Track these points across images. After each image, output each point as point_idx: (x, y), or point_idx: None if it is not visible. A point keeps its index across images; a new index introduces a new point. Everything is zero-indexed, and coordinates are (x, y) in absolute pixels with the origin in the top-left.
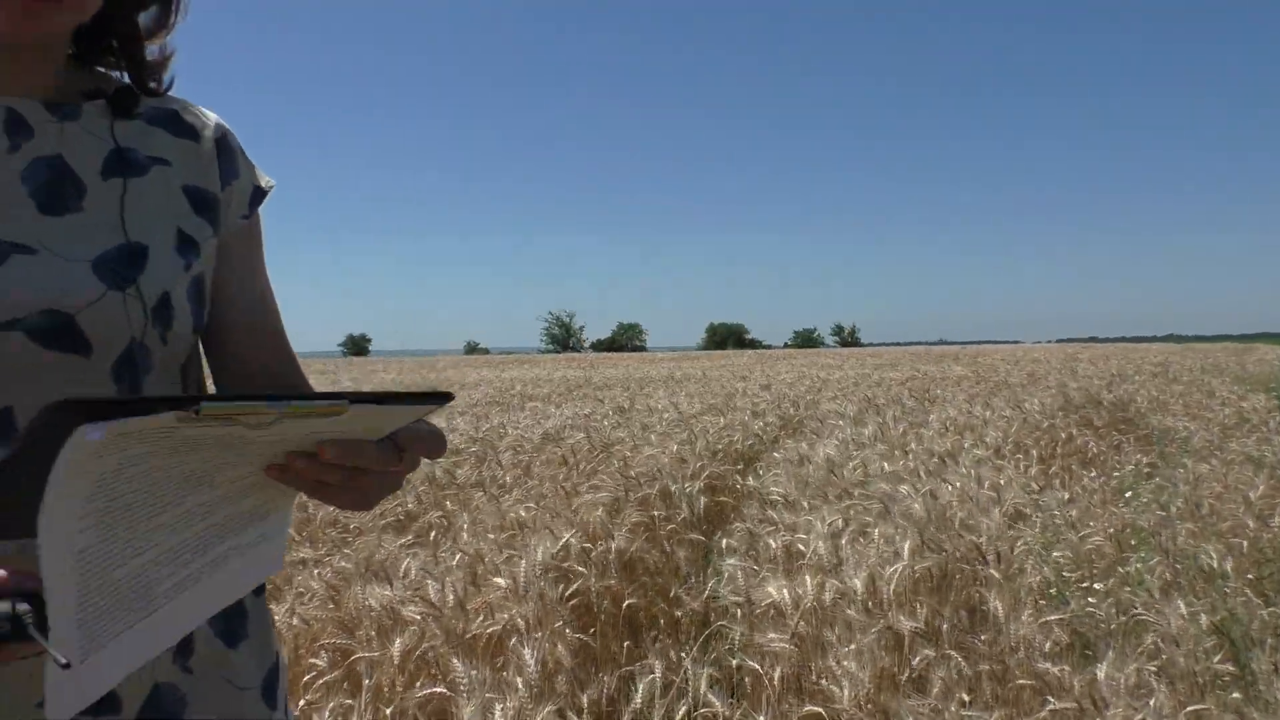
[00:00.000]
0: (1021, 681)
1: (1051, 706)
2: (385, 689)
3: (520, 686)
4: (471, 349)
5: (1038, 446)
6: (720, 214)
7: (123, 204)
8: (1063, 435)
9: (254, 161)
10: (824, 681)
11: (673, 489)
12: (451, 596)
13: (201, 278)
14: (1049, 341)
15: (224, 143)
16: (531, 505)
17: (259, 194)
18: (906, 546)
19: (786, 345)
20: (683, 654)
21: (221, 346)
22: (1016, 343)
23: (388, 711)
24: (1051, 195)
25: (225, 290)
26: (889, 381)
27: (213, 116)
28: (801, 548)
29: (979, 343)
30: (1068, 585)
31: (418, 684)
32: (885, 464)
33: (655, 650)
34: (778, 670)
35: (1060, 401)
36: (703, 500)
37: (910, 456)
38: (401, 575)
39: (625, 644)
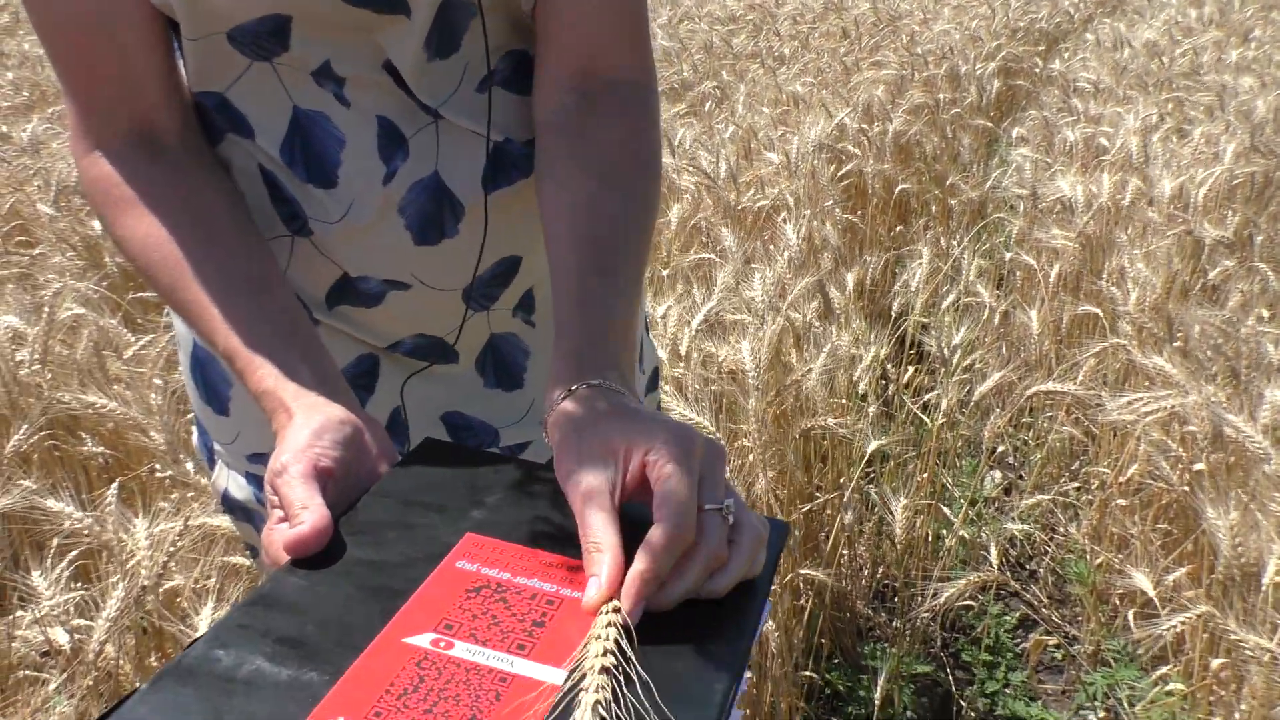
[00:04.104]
0: None
1: None
2: (664, 252)
3: (780, 259)
4: None
5: None
6: None
7: None
8: None
9: None
10: (1106, 283)
11: (962, 70)
12: (725, 168)
13: None
14: None
15: None
16: (809, 80)
17: None
18: (1230, 150)
19: None
20: (953, 242)
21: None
22: None
23: (664, 273)
24: None
25: None
26: None
27: None
28: (1105, 142)
29: None
30: None
31: (691, 250)
32: (1221, 53)
33: (926, 237)
34: (1055, 267)
35: None
36: (995, 84)
37: (1254, 45)
38: (676, 144)
39: (895, 229)
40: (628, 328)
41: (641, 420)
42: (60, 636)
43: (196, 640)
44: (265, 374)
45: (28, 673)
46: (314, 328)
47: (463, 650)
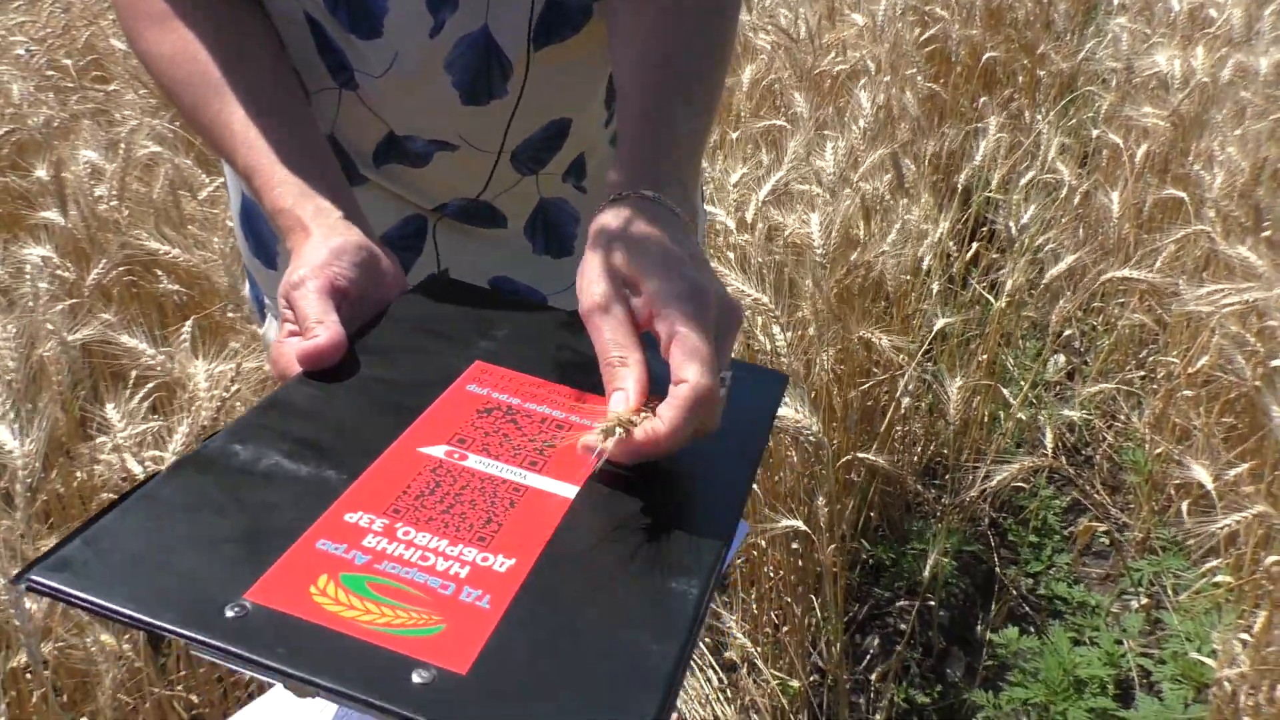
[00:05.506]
0: None
1: None
2: (734, 114)
3: (854, 128)
4: None
5: None
6: None
7: None
8: None
9: None
10: (1196, 166)
11: None
12: (805, 28)
13: None
14: None
15: None
16: None
17: None
18: None
19: None
20: (1038, 115)
21: None
22: None
23: (734, 135)
24: None
25: None
26: None
27: None
28: (1213, 13)
29: None
30: None
31: (762, 113)
32: None
33: (1010, 109)
34: (1143, 147)
35: None
36: None
37: None
38: (755, 0)
39: (979, 100)
40: (694, 147)
41: (668, 261)
42: (134, 466)
43: (214, 434)
44: (284, 191)
45: (109, 495)
46: (335, 158)
47: (476, 462)
